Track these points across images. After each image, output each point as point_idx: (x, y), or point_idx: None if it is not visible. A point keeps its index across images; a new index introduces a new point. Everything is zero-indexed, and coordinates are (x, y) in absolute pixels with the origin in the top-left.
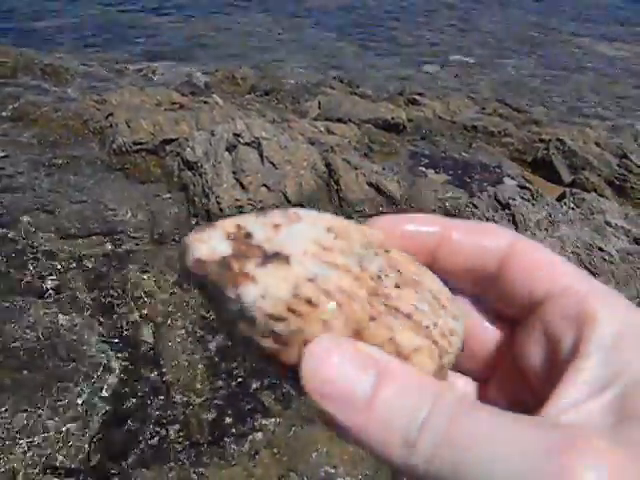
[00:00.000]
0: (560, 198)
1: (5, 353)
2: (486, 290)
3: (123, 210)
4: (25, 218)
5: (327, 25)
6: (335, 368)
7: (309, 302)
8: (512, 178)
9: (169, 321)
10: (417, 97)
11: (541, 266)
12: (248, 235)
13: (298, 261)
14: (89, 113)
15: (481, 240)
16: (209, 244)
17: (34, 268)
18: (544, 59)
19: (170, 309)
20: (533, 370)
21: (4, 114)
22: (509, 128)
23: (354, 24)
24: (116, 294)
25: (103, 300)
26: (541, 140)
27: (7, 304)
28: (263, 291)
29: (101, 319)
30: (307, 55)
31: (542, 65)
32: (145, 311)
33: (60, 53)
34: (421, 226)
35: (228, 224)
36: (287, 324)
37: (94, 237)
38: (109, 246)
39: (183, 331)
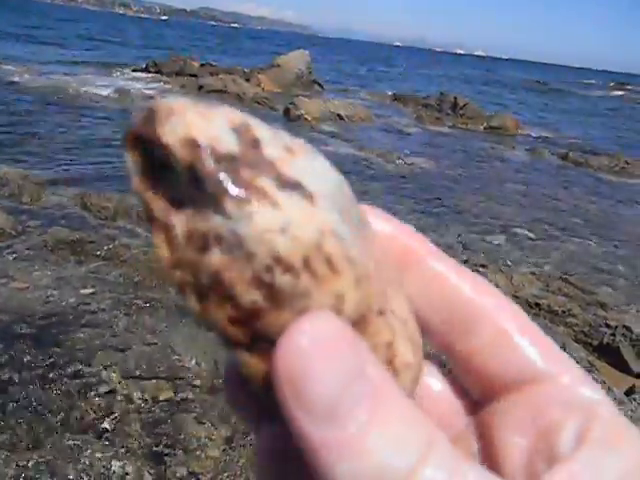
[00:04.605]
0: (629, 392)
1: None
2: (448, 347)
3: (188, 356)
4: (98, 355)
5: (391, 191)
6: (320, 371)
7: (329, 263)
8: (577, 362)
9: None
10: (480, 269)
11: (535, 341)
12: (256, 142)
13: (326, 207)
14: None
15: (463, 287)
16: (210, 125)
17: (95, 407)
18: (608, 239)
19: (220, 467)
20: (510, 460)
21: (99, 253)
22: (573, 309)
23: (416, 191)
24: (169, 443)
25: (156, 448)
26: (607, 325)
27: (66, 442)
28: (284, 223)
29: (151, 470)
30: None
31: (606, 245)
32: (195, 467)
33: None
34: (402, 234)
35: (233, 115)
36: (296, 280)
37: (156, 380)
38: (170, 392)
39: None
